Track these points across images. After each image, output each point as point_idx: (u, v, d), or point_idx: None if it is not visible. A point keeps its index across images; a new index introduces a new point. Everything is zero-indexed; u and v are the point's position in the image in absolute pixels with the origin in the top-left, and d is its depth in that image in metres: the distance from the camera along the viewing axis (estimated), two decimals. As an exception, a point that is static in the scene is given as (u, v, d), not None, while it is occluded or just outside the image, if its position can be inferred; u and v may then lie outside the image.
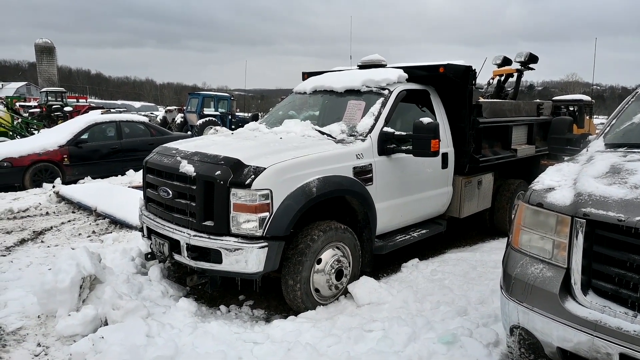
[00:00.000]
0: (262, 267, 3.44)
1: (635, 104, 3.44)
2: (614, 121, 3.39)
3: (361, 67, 5.47)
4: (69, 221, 6.53)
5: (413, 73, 4.94)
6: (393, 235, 4.63)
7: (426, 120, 4.04)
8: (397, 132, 4.28)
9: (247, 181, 3.39)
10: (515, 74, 7.42)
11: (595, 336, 2.01)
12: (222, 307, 3.89)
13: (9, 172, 8.44)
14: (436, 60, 5.13)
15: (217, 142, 4.28)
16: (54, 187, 8.34)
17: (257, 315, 3.83)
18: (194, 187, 3.60)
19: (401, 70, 4.87)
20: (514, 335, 2.67)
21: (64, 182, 8.82)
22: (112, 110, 26.70)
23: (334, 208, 4.11)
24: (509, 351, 2.94)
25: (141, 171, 9.88)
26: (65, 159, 9.05)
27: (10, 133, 13.86)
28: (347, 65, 6.42)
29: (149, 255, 4.25)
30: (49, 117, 24.59)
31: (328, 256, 3.82)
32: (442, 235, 5.39)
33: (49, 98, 30.30)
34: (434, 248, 5.49)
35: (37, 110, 27.41)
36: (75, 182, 9.06)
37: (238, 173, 3.45)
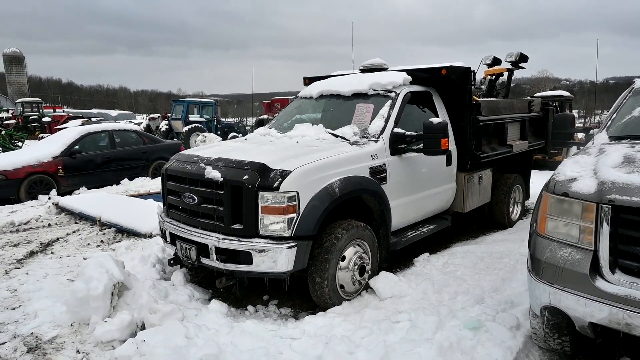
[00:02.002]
0: (292, 267, 3.58)
1: (633, 99, 3.72)
2: (614, 115, 3.66)
3: (363, 70, 5.66)
4: (74, 232, 6.53)
5: (415, 75, 5.14)
6: (404, 232, 4.83)
7: (436, 120, 4.23)
8: (408, 133, 4.48)
9: (275, 184, 3.53)
10: (506, 73, 7.70)
11: (626, 309, 2.22)
12: (250, 308, 4.01)
13: (4, 184, 8.34)
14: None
15: (236, 148, 4.42)
16: (49, 198, 8.28)
17: (284, 313, 3.96)
18: (222, 192, 3.71)
19: (404, 73, 5.05)
20: (543, 316, 2.88)
21: (59, 194, 8.75)
22: (92, 119, 26.34)
23: (351, 207, 4.26)
24: (533, 332, 3.17)
25: (136, 179, 10.04)
26: (60, 170, 8.98)
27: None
28: (346, 69, 6.54)
29: (172, 261, 4.33)
30: (26, 129, 24.15)
31: (351, 253, 3.98)
32: (448, 230, 5.61)
33: (25, 109, 29.73)
34: (440, 243, 5.71)
35: (13, 122, 26.83)
36: (70, 193, 8.99)
37: (265, 177, 3.58)
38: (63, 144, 9.30)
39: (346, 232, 3.88)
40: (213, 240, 3.70)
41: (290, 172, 3.59)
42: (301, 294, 4.18)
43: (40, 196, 8.58)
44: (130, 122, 32.99)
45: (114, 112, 52.65)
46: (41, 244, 5.95)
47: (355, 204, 4.29)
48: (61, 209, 7.61)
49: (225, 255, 3.67)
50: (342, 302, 3.91)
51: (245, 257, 3.58)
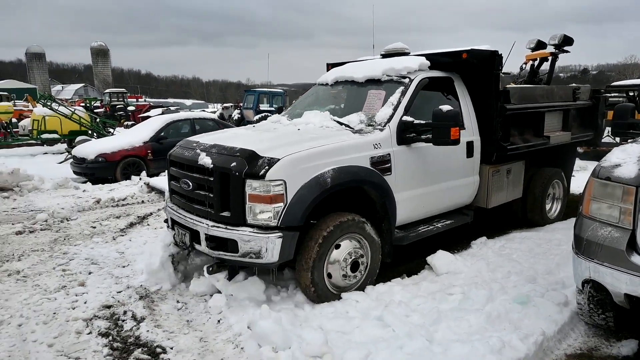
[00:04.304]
0: (277, 258, 3.50)
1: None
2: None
3: (384, 56, 5.42)
4: (164, 208, 7.42)
5: (436, 60, 4.86)
6: (416, 226, 4.60)
7: (446, 107, 3.96)
8: (416, 121, 4.20)
9: (261, 172, 3.44)
10: (550, 58, 7.01)
11: (658, 282, 2.48)
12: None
13: (104, 166, 9.55)
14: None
15: (237, 135, 4.44)
16: (140, 179, 9.33)
17: (349, 282, 4.44)
18: (211, 179, 3.70)
19: (423, 58, 4.77)
20: (584, 291, 3.15)
21: (148, 175, 9.81)
22: (171, 109, 28.27)
23: (353, 199, 4.13)
24: (578, 308, 3.43)
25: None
26: (149, 154, 10.06)
27: (90, 132, 15.22)
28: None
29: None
30: (113, 117, 26.42)
31: (343, 248, 3.82)
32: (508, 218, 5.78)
33: (112, 99, 32.46)
34: (499, 229, 5.91)
35: (101, 110, 29.41)
36: (157, 174, 10.04)
37: (253, 164, 3.51)
38: (152, 130, 10.37)
39: (338, 225, 3.71)
40: (203, 227, 3.71)
41: (278, 160, 3.50)
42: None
43: (133, 177, 9.69)
44: (203, 110, 34.99)
45: (188, 102, 55.68)
46: (138, 217, 6.85)
47: (357, 196, 4.14)
48: (151, 188, 8.59)
49: (214, 242, 3.65)
50: (334, 299, 3.79)
51: (232, 245, 3.55)
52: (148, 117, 20.61)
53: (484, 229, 5.66)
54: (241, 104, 22.63)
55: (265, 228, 3.50)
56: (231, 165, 3.56)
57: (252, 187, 3.46)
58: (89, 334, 3.45)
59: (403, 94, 4.41)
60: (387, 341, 3.13)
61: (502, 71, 5.09)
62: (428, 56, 4.86)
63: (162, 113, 20.56)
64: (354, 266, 3.90)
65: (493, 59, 4.84)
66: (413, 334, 3.21)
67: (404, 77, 4.58)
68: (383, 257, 4.21)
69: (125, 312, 3.75)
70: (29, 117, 16.79)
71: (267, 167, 3.46)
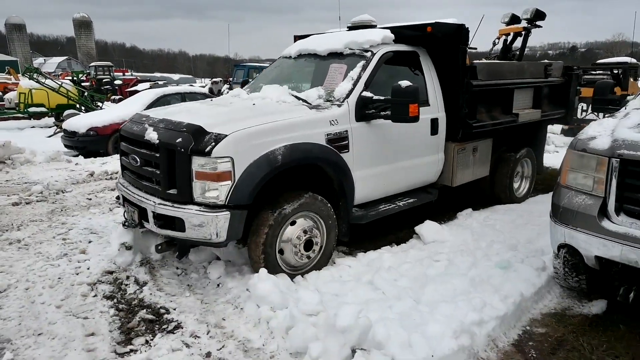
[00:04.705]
0: (225, 236, 3.41)
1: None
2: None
3: (351, 28, 5.21)
4: (158, 181, 7.53)
5: (401, 33, 4.70)
6: (377, 205, 4.50)
7: (405, 83, 3.81)
8: (375, 97, 4.06)
9: (207, 148, 3.30)
10: (523, 33, 6.77)
11: (625, 244, 2.72)
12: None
13: (95, 139, 9.58)
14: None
15: (188, 109, 4.29)
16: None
17: (342, 250, 4.64)
18: (158, 155, 3.58)
19: (387, 31, 4.62)
20: (560, 255, 3.40)
21: (140, 149, 9.86)
22: (159, 83, 27.93)
23: (310, 177, 4.02)
24: (554, 272, 3.70)
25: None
26: (141, 128, 10.06)
27: (78, 105, 15.10)
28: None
29: (125, 224, 4.18)
30: (99, 91, 26.06)
31: (297, 226, 3.75)
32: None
33: (97, 72, 31.89)
34: (486, 202, 6.13)
35: (87, 84, 28.94)
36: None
37: (199, 140, 3.36)
38: (142, 104, 10.35)
39: (290, 203, 3.64)
40: (150, 204, 3.61)
41: (226, 136, 3.35)
42: (358, 235, 4.84)
43: (124, 150, 9.72)
44: (192, 85, 34.59)
45: (175, 76, 54.79)
46: (132, 189, 6.96)
47: (313, 174, 4.00)
48: (144, 162, 8.66)
49: (162, 220, 3.56)
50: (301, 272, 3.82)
51: (179, 224, 3.45)
52: (136, 91, 20.42)
53: (470, 202, 5.89)
54: (230, 79, 22.46)
55: (212, 206, 3.38)
56: (177, 141, 3.42)
57: (199, 164, 3.33)
58: (94, 296, 3.62)
59: (364, 68, 4.26)
60: (377, 302, 3.35)
61: (469, 46, 4.96)
62: (393, 29, 4.70)
63: (150, 87, 20.36)
64: (308, 245, 3.82)
65: (459, 33, 4.68)
66: (402, 296, 3.45)
67: (367, 51, 4.42)
68: (340, 235, 4.13)
69: (127, 277, 3.92)
70: (15, 90, 16.55)
71: (213, 144, 3.31)
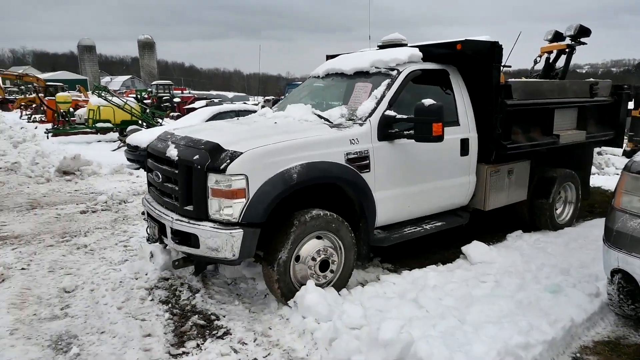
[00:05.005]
0: (238, 254, 3.37)
1: None
2: None
3: (381, 47, 5.18)
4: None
5: (430, 52, 4.66)
6: (402, 227, 4.39)
7: (428, 101, 3.73)
8: (399, 116, 3.99)
9: (222, 166, 3.32)
10: (567, 50, 6.44)
11: (683, 272, 2.61)
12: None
13: (155, 154, 10.12)
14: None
15: (212, 127, 4.37)
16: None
17: (387, 267, 4.68)
18: (177, 172, 3.64)
19: (415, 49, 4.57)
20: (614, 281, 3.29)
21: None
22: (214, 100, 29.12)
23: (330, 196, 3.96)
24: (608, 298, 3.56)
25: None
26: (197, 144, 10.56)
27: (140, 121, 16.02)
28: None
29: (148, 240, 4.24)
30: (159, 108, 27.49)
31: (311, 246, 3.66)
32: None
33: (158, 91, 33.71)
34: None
35: (148, 101, 30.64)
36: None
37: (215, 157, 3.39)
38: (200, 121, 10.87)
39: (305, 223, 3.55)
40: (169, 220, 3.65)
41: (241, 153, 3.37)
42: (403, 253, 4.86)
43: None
44: (245, 103, 35.77)
45: (230, 94, 56.82)
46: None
47: (334, 194, 3.95)
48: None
49: (179, 236, 3.58)
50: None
51: (194, 240, 3.46)
52: (193, 108, 21.36)
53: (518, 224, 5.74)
54: (282, 97, 23.07)
55: (226, 224, 3.37)
56: (194, 158, 3.47)
57: (214, 181, 3.35)
58: (151, 300, 3.87)
59: (388, 87, 4.19)
60: (421, 320, 3.36)
61: (504, 64, 4.79)
62: (423, 47, 4.67)
63: (206, 105, 21.26)
64: (324, 265, 3.74)
65: (492, 50, 4.54)
66: (446, 315, 3.44)
67: (392, 70, 4.36)
68: (360, 258, 4.06)
69: (182, 284, 4.16)
70: (84, 107, 17.81)
71: (228, 161, 3.33)
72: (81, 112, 17.50)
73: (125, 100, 16.14)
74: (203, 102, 26.05)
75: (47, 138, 14.55)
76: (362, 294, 3.80)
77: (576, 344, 3.32)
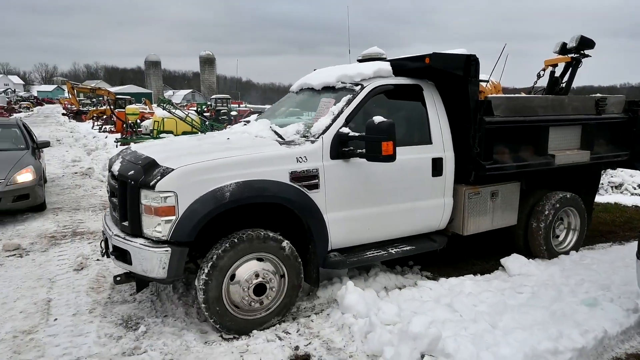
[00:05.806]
0: (166, 273, 3.29)
1: None
2: None
3: (360, 61, 4.96)
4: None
5: (404, 66, 4.45)
6: (363, 250, 4.16)
7: (378, 119, 3.53)
8: (352, 134, 3.80)
9: (153, 182, 3.29)
10: (567, 63, 5.91)
11: None
12: (397, 267, 5.00)
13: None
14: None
15: (165, 143, 4.44)
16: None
17: (426, 275, 4.87)
18: (117, 187, 3.69)
19: (384, 64, 4.40)
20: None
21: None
22: (269, 114, 30.14)
23: (280, 217, 3.80)
24: (645, 314, 3.59)
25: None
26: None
27: (200, 133, 17.01)
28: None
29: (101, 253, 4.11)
30: (217, 120, 28.76)
31: (246, 269, 3.49)
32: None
33: (217, 104, 35.36)
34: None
35: (207, 114, 32.16)
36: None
37: (148, 174, 3.37)
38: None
39: (239, 243, 3.42)
40: (109, 234, 3.68)
41: (172, 170, 3.33)
42: (442, 261, 5.04)
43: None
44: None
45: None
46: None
47: (283, 214, 3.76)
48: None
49: (117, 251, 3.56)
50: (240, 323, 3.52)
51: (128, 256, 3.43)
52: (248, 121, 22.27)
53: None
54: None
55: (157, 242, 3.33)
56: (129, 174, 3.50)
57: (145, 197, 3.33)
58: (207, 292, 4.28)
59: (348, 103, 4.02)
60: (453, 322, 3.56)
61: (482, 79, 4.58)
62: (395, 62, 4.50)
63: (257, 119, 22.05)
64: (259, 289, 3.54)
65: (468, 65, 4.23)
66: (478, 319, 3.61)
67: (357, 85, 4.20)
68: (311, 281, 3.92)
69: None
70: (149, 118, 19.13)
71: (159, 177, 3.30)
72: (147, 123, 18.83)
73: (186, 113, 17.23)
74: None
75: (116, 147, 15.80)
76: (399, 295, 4.05)
77: (608, 355, 3.39)
